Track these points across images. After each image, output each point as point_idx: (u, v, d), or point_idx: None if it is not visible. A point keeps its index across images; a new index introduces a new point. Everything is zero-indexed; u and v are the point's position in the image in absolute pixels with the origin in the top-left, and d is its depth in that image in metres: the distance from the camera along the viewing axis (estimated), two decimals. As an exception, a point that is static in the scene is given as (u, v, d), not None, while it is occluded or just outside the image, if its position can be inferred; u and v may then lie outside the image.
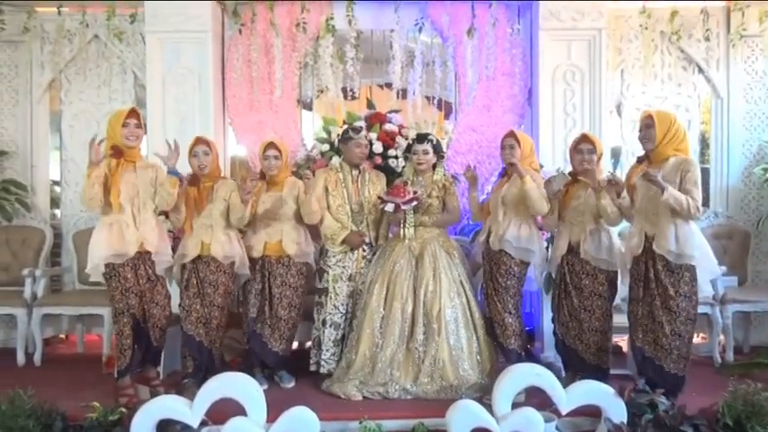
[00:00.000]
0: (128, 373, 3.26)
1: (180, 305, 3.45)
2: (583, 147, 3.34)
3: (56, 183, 5.12)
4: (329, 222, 3.69)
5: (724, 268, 4.13)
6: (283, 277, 3.57)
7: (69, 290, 4.69)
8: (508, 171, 3.48)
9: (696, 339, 4.71)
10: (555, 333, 3.52)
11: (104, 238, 3.19)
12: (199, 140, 3.48)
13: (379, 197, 3.63)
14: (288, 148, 3.83)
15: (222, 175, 3.69)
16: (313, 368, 3.66)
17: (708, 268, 3.12)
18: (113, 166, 3.21)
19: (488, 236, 3.49)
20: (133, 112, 3.27)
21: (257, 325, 3.54)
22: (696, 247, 3.04)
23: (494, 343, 3.49)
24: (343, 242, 3.67)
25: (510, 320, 3.39)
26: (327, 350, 3.63)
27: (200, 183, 3.43)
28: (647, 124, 3.13)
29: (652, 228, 3.10)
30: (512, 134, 3.47)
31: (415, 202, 3.53)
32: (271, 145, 3.60)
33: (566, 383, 2.92)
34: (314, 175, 3.66)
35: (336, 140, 4.36)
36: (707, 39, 4.70)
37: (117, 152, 3.22)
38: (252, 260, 3.57)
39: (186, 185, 3.34)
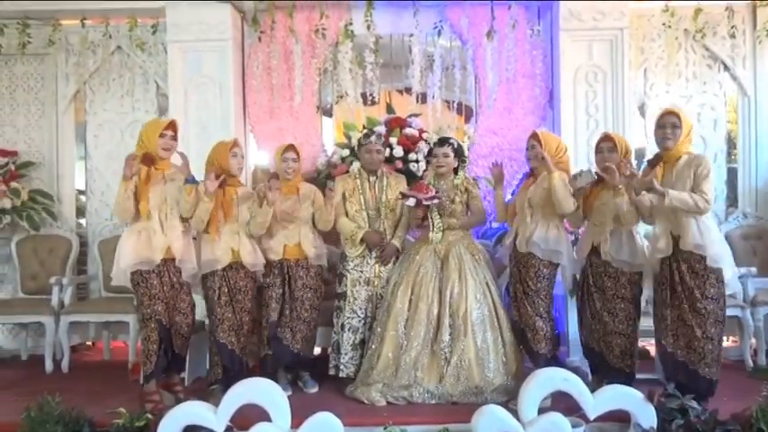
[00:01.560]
0: (153, 378, 3.29)
1: (211, 314, 3.45)
2: (603, 145, 3.32)
3: (81, 192, 5.20)
4: (346, 223, 3.71)
5: (754, 269, 4.08)
6: (304, 280, 3.60)
7: (95, 297, 4.76)
8: (534, 172, 3.45)
9: (726, 343, 4.63)
10: (581, 336, 3.48)
11: (132, 245, 3.25)
12: (236, 143, 3.51)
13: (401, 193, 3.63)
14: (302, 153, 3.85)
15: (242, 182, 3.71)
16: (332, 372, 3.66)
17: (729, 265, 3.07)
18: (143, 174, 3.27)
19: (515, 238, 3.46)
20: (172, 124, 3.36)
21: (277, 329, 3.55)
22: (716, 242, 3.01)
23: (521, 347, 3.46)
24: (362, 241, 3.68)
25: (541, 324, 3.35)
26: (346, 354, 3.64)
27: (225, 184, 3.45)
28: (674, 123, 3.07)
29: (676, 228, 3.06)
30: (533, 135, 3.45)
31: (436, 200, 3.53)
32: (290, 147, 3.64)
33: (593, 388, 2.88)
34: (334, 183, 3.68)
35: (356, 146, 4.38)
36: (732, 36, 4.62)
37: (148, 160, 3.29)
38: (269, 263, 3.59)
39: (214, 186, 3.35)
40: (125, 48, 4.87)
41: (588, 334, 3.38)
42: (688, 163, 3.04)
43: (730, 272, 3.07)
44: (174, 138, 3.35)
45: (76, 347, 4.73)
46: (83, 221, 5.15)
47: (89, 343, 5.03)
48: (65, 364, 4.27)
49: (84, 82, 4.93)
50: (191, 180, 3.27)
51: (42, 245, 4.75)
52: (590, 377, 3.44)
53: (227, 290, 3.43)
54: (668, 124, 3.08)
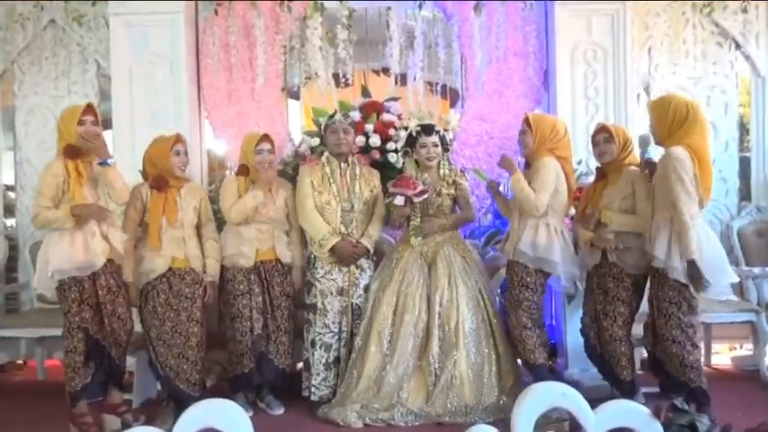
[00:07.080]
0: (83, 397, 3.25)
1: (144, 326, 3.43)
2: (599, 137, 3.38)
3: (9, 188, 5.09)
4: (319, 224, 3.60)
5: (769, 269, 4.15)
6: (281, 287, 3.61)
7: (27, 309, 4.67)
8: (529, 162, 3.47)
9: (740, 351, 4.72)
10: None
11: (66, 248, 3.16)
12: (179, 139, 3.51)
13: (386, 189, 3.60)
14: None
15: (188, 177, 3.67)
16: (305, 393, 3.62)
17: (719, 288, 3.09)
18: (71, 168, 3.21)
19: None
20: (89, 108, 3.30)
21: (262, 343, 3.53)
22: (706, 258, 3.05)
23: (516, 359, 3.48)
24: (332, 251, 3.59)
25: (527, 334, 3.37)
26: (318, 374, 3.60)
27: (168, 185, 3.42)
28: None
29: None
30: (525, 119, 3.47)
31: (425, 195, 3.53)
32: (265, 138, 3.63)
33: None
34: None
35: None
36: (744, 11, 4.69)
37: (73, 153, 3.23)
38: (240, 269, 3.55)
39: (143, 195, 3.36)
40: (60, 21, 4.76)
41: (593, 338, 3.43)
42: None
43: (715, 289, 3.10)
44: (96, 122, 3.30)
45: (5, 367, 4.63)
46: (12, 222, 5.04)
47: (20, 362, 4.92)
48: (-8, 386, 4.19)
49: (12, 61, 4.82)
50: (104, 162, 3.22)
51: (-36, 249, 4.64)
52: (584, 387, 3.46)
53: (163, 298, 3.40)
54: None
